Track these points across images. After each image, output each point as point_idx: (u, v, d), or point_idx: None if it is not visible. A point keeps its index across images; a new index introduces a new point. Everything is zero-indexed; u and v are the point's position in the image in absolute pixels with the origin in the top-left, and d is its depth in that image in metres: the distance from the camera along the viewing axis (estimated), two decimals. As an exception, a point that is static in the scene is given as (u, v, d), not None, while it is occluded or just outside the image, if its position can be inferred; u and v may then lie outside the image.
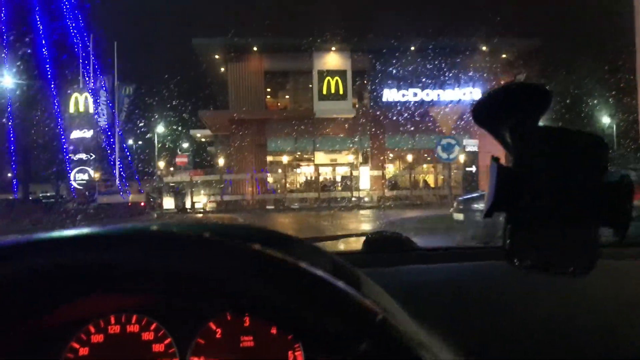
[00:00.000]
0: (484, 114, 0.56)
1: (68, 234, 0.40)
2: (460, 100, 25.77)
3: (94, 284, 0.40)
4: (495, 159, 0.52)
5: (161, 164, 25.12)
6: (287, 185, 24.91)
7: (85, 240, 0.40)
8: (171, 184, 24.09)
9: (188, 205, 22.79)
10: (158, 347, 0.76)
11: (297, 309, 0.39)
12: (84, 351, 0.75)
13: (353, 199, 23.25)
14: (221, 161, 23.65)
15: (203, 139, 34.53)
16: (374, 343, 0.38)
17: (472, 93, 26.08)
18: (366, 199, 23.68)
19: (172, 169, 26.37)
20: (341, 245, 1.51)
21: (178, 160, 24.37)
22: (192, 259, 0.40)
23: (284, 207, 22.47)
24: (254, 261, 0.40)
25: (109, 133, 25.98)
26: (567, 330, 0.82)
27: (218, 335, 0.77)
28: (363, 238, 1.24)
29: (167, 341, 0.77)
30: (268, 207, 22.70)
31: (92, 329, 0.76)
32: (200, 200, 23.13)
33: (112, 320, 0.77)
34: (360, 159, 25.68)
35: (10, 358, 0.48)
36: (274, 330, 0.78)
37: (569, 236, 0.51)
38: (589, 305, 0.87)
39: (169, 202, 23.39)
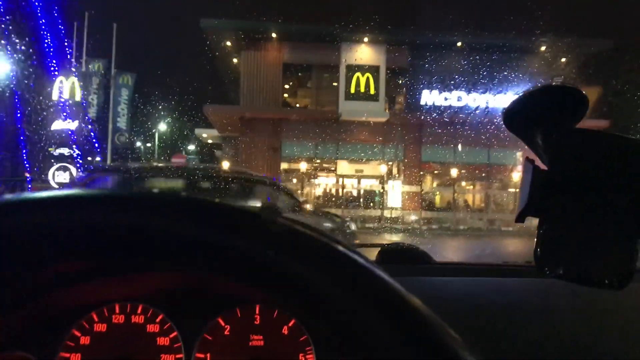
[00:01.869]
0: (517, 117, 0.54)
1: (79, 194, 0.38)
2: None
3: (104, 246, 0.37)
4: (530, 161, 0.50)
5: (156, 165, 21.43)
6: (304, 197, 20.95)
7: (108, 200, 0.38)
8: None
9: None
10: (163, 341, 0.73)
11: (338, 298, 0.36)
12: (85, 340, 0.73)
13: (384, 217, 19.27)
14: (226, 165, 19.83)
15: (210, 140, 30.83)
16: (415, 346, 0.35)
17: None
18: (398, 220, 19.65)
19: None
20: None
21: (174, 161, 20.64)
22: (222, 226, 0.38)
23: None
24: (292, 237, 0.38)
25: (99, 127, 22.30)
26: (587, 351, 0.79)
27: (227, 332, 0.75)
28: (378, 249, 1.20)
29: (172, 335, 0.74)
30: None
31: (95, 317, 0.75)
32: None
33: (117, 309, 0.75)
34: (394, 171, 21.75)
35: (8, 340, 0.46)
36: (285, 331, 0.76)
37: (605, 247, 0.49)
38: (613, 326, 0.83)
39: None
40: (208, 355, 0.74)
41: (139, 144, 29.00)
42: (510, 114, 0.54)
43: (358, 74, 22.13)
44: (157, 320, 0.75)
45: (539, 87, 0.52)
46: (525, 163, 0.52)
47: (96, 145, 22.05)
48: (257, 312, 0.76)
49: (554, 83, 0.55)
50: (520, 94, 0.53)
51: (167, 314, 0.75)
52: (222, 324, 0.76)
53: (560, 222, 0.50)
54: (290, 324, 0.76)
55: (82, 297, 0.69)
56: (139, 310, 0.75)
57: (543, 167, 0.51)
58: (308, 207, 11.61)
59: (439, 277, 1.02)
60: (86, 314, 0.74)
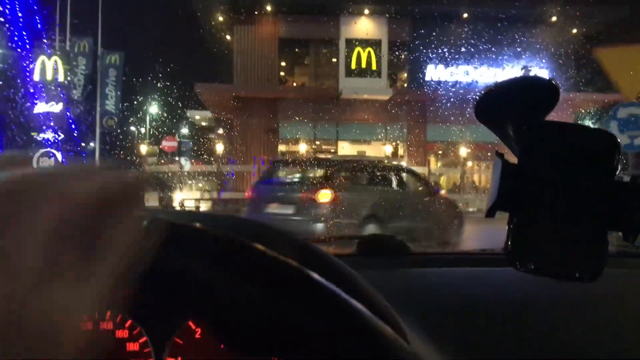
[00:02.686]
0: (487, 108, 0.54)
1: None
2: (522, 83, 20.65)
3: None
4: (500, 154, 0.50)
5: (144, 148, 20.09)
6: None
7: None
8: (159, 174, 19.02)
9: (176, 202, 17.72)
10: (132, 346, 0.72)
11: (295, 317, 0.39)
12: None
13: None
14: (220, 147, 18.67)
15: (203, 123, 29.58)
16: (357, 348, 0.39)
17: (537, 74, 20.81)
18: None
19: (162, 160, 21.19)
20: (334, 248, 1.31)
21: (165, 144, 19.44)
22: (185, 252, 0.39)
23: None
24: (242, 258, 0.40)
25: (86, 110, 21.06)
26: (563, 338, 0.80)
27: (197, 335, 0.73)
28: (356, 241, 1.22)
29: (142, 340, 0.73)
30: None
31: None
32: (193, 197, 18.07)
33: (85, 316, 0.61)
34: (399, 151, 20.55)
35: None
36: None
37: (575, 240, 0.49)
38: (590, 315, 0.85)
39: (152, 198, 18.33)
40: (179, 359, 0.72)
41: (132, 127, 27.73)
42: (481, 105, 0.53)
43: (358, 48, 20.90)
44: (126, 325, 0.73)
45: (509, 79, 0.53)
46: (494, 157, 0.51)
47: (83, 129, 20.85)
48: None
49: (524, 73, 0.43)
50: (491, 85, 0.53)
51: (136, 320, 0.72)
52: (193, 327, 0.73)
53: (530, 216, 0.49)
54: None
55: None
56: (107, 316, 0.73)
57: (515, 160, 0.50)
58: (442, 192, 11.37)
59: (414, 269, 1.06)
60: None
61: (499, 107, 0.53)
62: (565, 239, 0.50)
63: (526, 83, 0.54)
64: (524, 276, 0.50)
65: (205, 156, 22.73)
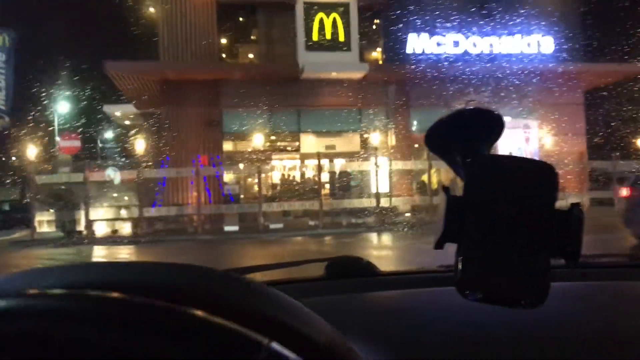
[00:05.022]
0: (437, 138, 0.57)
1: None
2: (522, 54, 16.93)
3: None
4: (445, 189, 0.53)
5: (32, 151, 14.56)
6: (253, 188, 15.01)
7: None
8: (59, 189, 13.69)
9: (82, 226, 12.54)
10: None
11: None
12: None
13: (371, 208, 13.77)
14: (141, 146, 13.59)
15: (127, 121, 24.11)
16: None
17: (540, 44, 17.13)
18: (387, 211, 14.16)
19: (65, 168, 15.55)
20: (304, 272, 1.30)
21: (63, 145, 14.23)
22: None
23: (258, 228, 12.71)
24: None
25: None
26: (523, 355, 0.84)
27: None
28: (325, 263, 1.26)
29: None
30: (228, 227, 12.80)
31: None
32: (105, 218, 12.92)
33: None
34: (378, 143, 16.28)
35: None
36: None
37: (519, 267, 0.52)
38: (542, 328, 0.87)
39: (47, 222, 13.05)
40: None
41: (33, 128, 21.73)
42: (430, 137, 0.56)
43: (321, 14, 16.67)
44: None
45: (454, 111, 0.55)
46: (442, 191, 0.53)
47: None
48: None
49: (468, 106, 0.55)
50: (438, 117, 0.55)
51: None
52: None
53: (476, 246, 0.52)
54: None
55: None
56: None
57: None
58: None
59: (380, 292, 1.08)
60: None
61: (448, 137, 0.55)
62: (509, 267, 0.52)
63: (471, 115, 0.55)
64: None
65: (130, 161, 17.41)
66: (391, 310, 0.98)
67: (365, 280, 1.18)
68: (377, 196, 14.07)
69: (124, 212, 13.28)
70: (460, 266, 0.52)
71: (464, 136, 0.55)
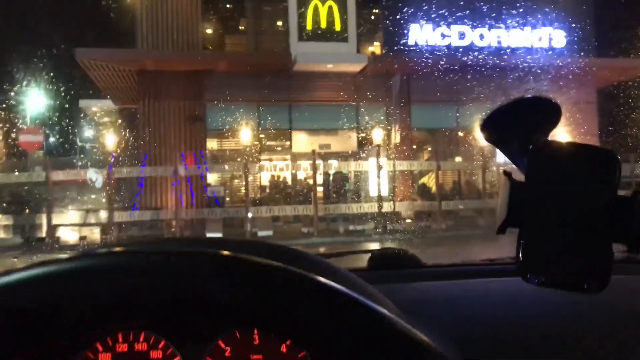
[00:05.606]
0: (493, 129, 0.59)
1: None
2: (532, 48, 15.76)
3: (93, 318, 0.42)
4: (507, 173, 0.54)
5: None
6: (244, 190, 13.60)
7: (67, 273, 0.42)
8: (20, 190, 12.18)
9: (44, 232, 11.04)
10: None
11: (322, 325, 0.43)
12: None
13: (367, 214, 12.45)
14: (113, 143, 12.11)
15: (106, 118, 22.58)
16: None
17: (552, 37, 15.95)
18: (385, 218, 12.83)
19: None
20: (344, 263, 1.24)
21: (23, 139, 12.68)
22: (203, 281, 0.43)
23: (244, 235, 11.35)
24: (273, 277, 0.45)
25: None
26: (579, 347, 0.84)
27: (227, 354, 0.79)
28: (368, 255, 1.25)
29: (175, 359, 0.78)
30: (210, 234, 11.38)
31: (100, 348, 0.78)
32: (71, 223, 11.43)
33: (120, 338, 0.78)
34: (378, 141, 15.00)
35: None
36: (284, 349, 0.80)
37: (582, 252, 0.53)
38: (599, 320, 0.88)
39: (3, 227, 11.56)
40: None
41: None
42: (487, 126, 0.57)
43: (316, 1, 15.61)
44: (160, 346, 0.77)
45: (512, 100, 0.56)
46: (503, 176, 0.54)
47: None
48: (255, 332, 0.78)
49: (526, 95, 0.55)
50: (495, 107, 0.56)
51: (169, 340, 0.77)
52: (223, 346, 0.78)
53: (538, 231, 0.53)
54: (287, 342, 0.78)
55: None
56: (142, 338, 0.77)
57: (522, 177, 0.54)
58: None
59: (427, 282, 1.06)
60: (91, 344, 0.77)
61: (505, 127, 0.57)
62: (572, 252, 0.52)
63: (529, 103, 0.57)
64: (534, 287, 0.53)
65: (103, 160, 15.85)
66: (442, 299, 0.98)
67: (410, 271, 1.18)
68: (380, 200, 12.67)
69: (92, 217, 11.76)
70: (522, 250, 0.52)
71: (523, 125, 0.56)
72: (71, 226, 11.54)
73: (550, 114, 0.56)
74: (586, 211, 0.52)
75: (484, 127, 0.58)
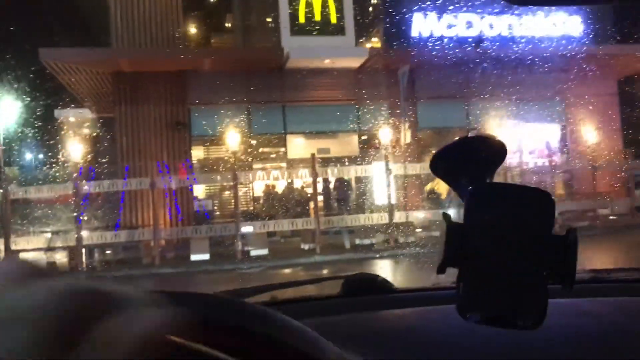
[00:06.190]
0: (442, 167, 0.61)
1: None
2: (545, 38, 14.40)
3: None
4: (445, 215, 0.55)
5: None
6: (234, 203, 12.04)
7: None
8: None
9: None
10: None
11: None
12: None
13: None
14: (79, 153, 10.59)
15: (86, 130, 20.94)
16: None
17: (566, 25, 14.62)
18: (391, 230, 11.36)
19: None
20: (319, 289, 1.38)
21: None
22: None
23: (235, 255, 9.82)
24: None
25: None
26: None
27: None
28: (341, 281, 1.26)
29: None
30: (196, 256, 9.86)
31: None
32: (34, 247, 9.88)
33: None
34: (380, 144, 13.56)
35: None
36: None
37: (516, 291, 0.54)
38: (543, 342, 0.89)
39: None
40: None
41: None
42: (434, 163, 0.60)
43: None
44: None
45: (459, 138, 0.60)
46: (443, 218, 0.56)
47: None
48: None
49: (471, 135, 0.56)
50: (444, 145, 0.59)
51: None
52: None
53: (476, 271, 0.54)
54: None
55: None
56: None
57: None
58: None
59: (396, 310, 1.09)
60: None
61: (453, 163, 0.59)
62: (507, 290, 0.54)
63: (473, 143, 0.60)
64: None
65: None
66: (404, 328, 1.01)
67: (381, 297, 1.21)
68: (390, 209, 11.16)
69: (59, 239, 10.21)
70: (461, 290, 0.54)
71: (469, 163, 0.58)
72: (34, 251, 9.98)
73: (495, 152, 0.58)
74: (521, 251, 0.53)
75: (434, 163, 0.60)
